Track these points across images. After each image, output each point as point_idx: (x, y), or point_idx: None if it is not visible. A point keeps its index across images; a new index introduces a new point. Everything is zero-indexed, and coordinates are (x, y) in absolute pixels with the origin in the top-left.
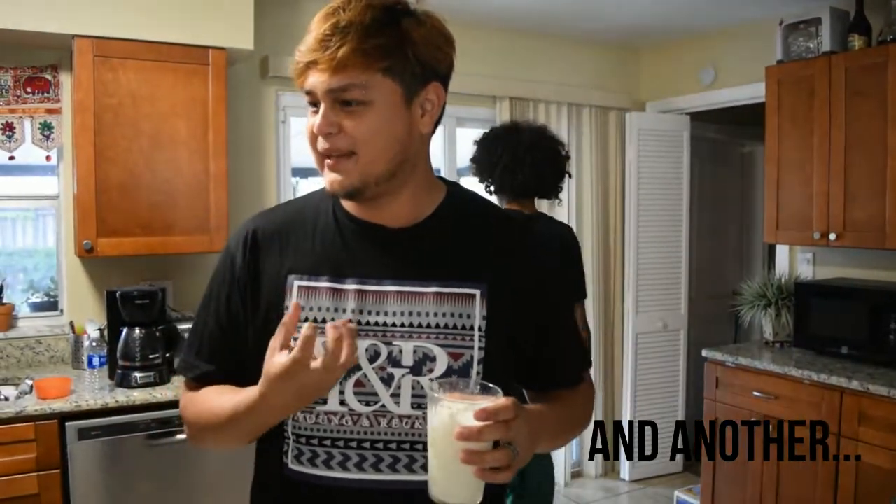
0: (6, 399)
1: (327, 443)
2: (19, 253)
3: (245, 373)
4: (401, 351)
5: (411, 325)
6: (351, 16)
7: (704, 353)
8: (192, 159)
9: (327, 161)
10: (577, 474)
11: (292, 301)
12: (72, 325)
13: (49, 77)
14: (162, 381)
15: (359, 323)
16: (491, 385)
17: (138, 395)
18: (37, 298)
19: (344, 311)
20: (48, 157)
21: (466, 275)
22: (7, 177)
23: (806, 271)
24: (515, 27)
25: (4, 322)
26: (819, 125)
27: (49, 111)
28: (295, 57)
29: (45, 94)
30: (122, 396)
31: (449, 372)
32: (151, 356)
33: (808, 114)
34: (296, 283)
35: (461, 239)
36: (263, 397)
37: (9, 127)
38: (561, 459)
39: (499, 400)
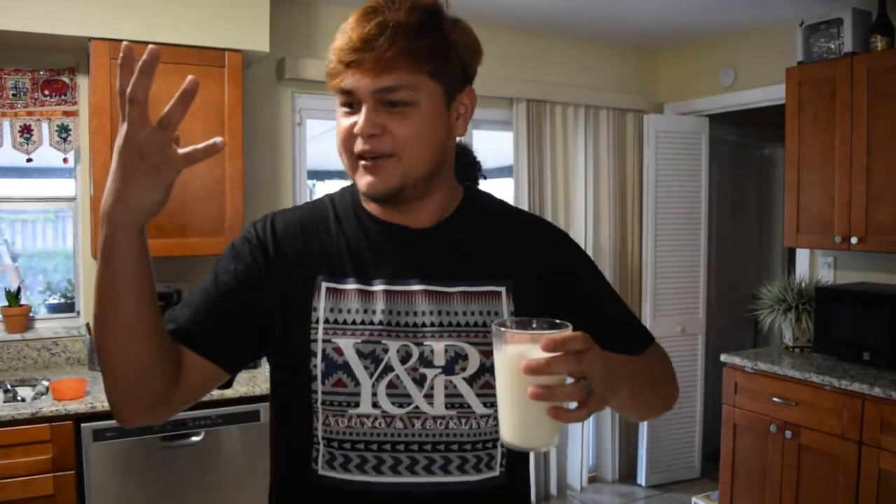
0: (23, 400)
1: (360, 446)
2: (38, 254)
3: (236, 357)
4: (432, 351)
5: (441, 324)
6: (397, 16)
7: (723, 357)
8: (207, 161)
9: (363, 163)
10: (593, 479)
11: (320, 302)
12: (88, 326)
13: (66, 80)
14: None
15: (389, 324)
16: (559, 321)
17: None
18: (54, 300)
19: (374, 312)
20: (65, 160)
21: (491, 272)
22: (25, 179)
23: (827, 276)
24: (532, 29)
25: (22, 323)
26: (840, 127)
27: (66, 113)
28: (330, 56)
29: (63, 97)
30: None
31: (481, 369)
32: None
33: (830, 115)
34: (324, 284)
35: (483, 237)
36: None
37: (27, 129)
38: (577, 464)
39: (564, 331)
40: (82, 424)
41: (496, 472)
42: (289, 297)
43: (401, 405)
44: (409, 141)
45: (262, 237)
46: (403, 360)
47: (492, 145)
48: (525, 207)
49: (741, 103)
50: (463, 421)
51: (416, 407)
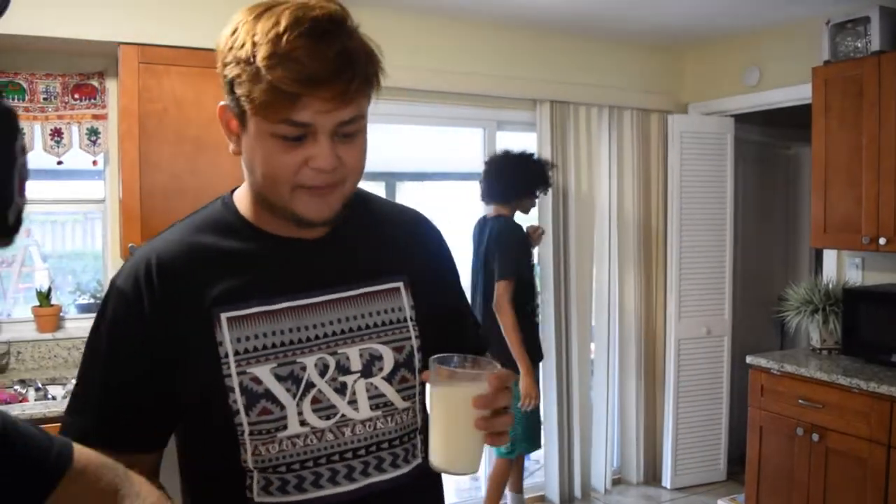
0: (53, 398)
1: (296, 467)
2: (68, 255)
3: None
4: (348, 357)
5: (350, 329)
6: (353, 44)
7: (748, 359)
8: (233, 164)
9: (311, 192)
10: (617, 481)
11: (224, 335)
12: None
13: (96, 84)
14: None
15: (300, 341)
16: (479, 357)
17: None
18: (84, 300)
19: (282, 332)
20: (94, 162)
21: (387, 269)
22: (56, 181)
23: (855, 277)
24: (555, 29)
25: (53, 323)
26: (868, 126)
27: (95, 117)
28: (270, 82)
29: (92, 101)
30: None
31: (396, 366)
32: None
33: (857, 115)
34: (223, 315)
35: (373, 237)
36: None
37: (57, 133)
38: (601, 466)
39: (501, 369)
40: None
41: (419, 459)
42: (188, 340)
43: (328, 417)
44: (356, 167)
45: (146, 297)
46: (322, 373)
47: (515, 147)
48: (548, 209)
49: (767, 103)
50: (388, 419)
51: (343, 415)
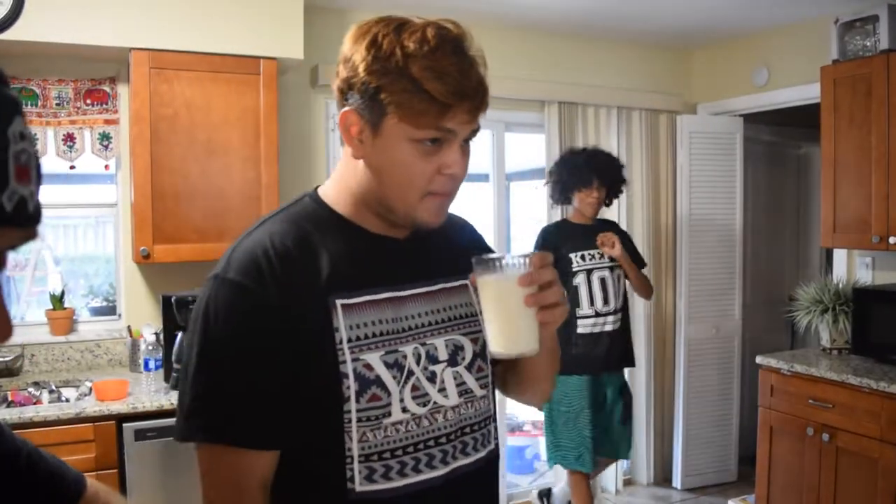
0: (67, 400)
1: (399, 452)
2: (80, 259)
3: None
4: (436, 348)
5: (438, 321)
6: (481, 63)
7: (758, 359)
8: (244, 167)
9: (439, 197)
10: (628, 482)
11: (340, 321)
12: (129, 329)
13: (107, 89)
14: None
15: (399, 331)
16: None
17: None
18: (96, 303)
19: (385, 321)
20: (106, 167)
21: (457, 268)
22: (68, 185)
23: (865, 276)
24: (563, 31)
25: (66, 326)
26: (877, 125)
27: (107, 122)
28: (428, 92)
29: (104, 106)
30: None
31: (474, 356)
32: None
33: (866, 114)
34: (338, 302)
35: (442, 238)
36: None
37: (70, 137)
38: (612, 467)
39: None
40: (124, 424)
41: (492, 445)
42: (309, 326)
43: (424, 404)
44: (466, 174)
45: (260, 283)
46: (417, 362)
47: (523, 148)
48: (557, 210)
49: (775, 103)
50: (470, 405)
51: (435, 402)
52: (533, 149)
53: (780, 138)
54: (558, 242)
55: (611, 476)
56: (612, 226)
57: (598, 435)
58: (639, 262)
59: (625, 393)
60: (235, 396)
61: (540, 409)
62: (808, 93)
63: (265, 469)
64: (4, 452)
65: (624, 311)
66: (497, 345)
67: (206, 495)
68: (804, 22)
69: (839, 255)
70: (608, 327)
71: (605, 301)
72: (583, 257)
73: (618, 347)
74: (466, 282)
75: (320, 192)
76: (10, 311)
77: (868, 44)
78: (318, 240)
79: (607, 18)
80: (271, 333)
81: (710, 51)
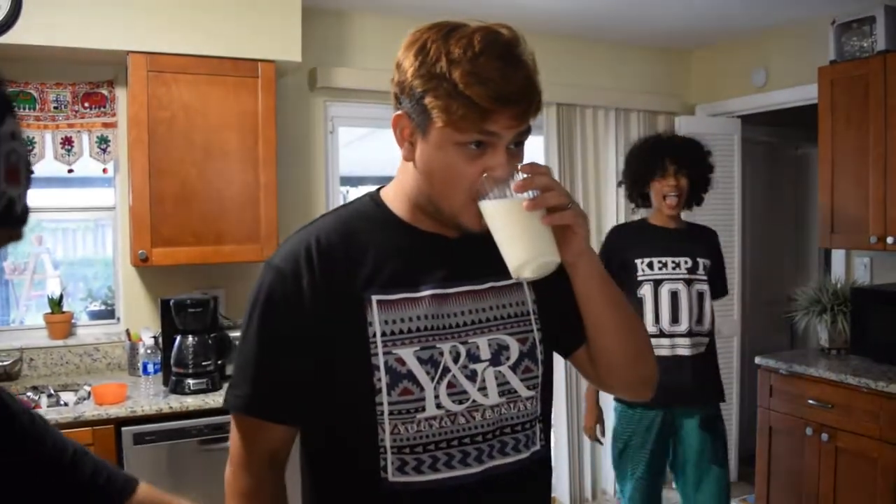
0: (66, 404)
1: (431, 447)
2: (79, 262)
3: (305, 416)
4: (478, 346)
5: (480, 321)
6: (531, 68)
7: (757, 360)
8: (242, 170)
9: None
10: None
11: (374, 317)
12: (128, 332)
13: (105, 92)
14: (214, 387)
15: (437, 328)
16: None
17: (191, 402)
18: (95, 307)
19: (422, 317)
20: (105, 170)
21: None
22: (66, 189)
23: (863, 276)
24: (562, 32)
25: (65, 330)
26: (874, 126)
27: (105, 125)
28: (470, 98)
29: (102, 109)
30: (176, 402)
31: (521, 356)
32: (204, 363)
33: (863, 114)
34: (374, 298)
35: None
36: None
37: (68, 141)
38: (611, 468)
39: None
40: (123, 428)
41: (538, 447)
42: (341, 319)
43: (461, 402)
44: None
45: (305, 276)
46: (455, 360)
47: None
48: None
49: (773, 103)
50: (512, 405)
51: (474, 401)
52: (531, 151)
53: (778, 139)
54: (624, 245)
55: (611, 477)
56: (706, 233)
57: (658, 482)
58: (718, 288)
59: (709, 428)
60: (259, 374)
61: (649, 391)
62: (805, 94)
63: (275, 442)
64: (50, 450)
65: (707, 334)
66: (513, 262)
67: (230, 451)
68: (802, 23)
69: (837, 256)
70: (682, 351)
71: (675, 319)
72: (650, 265)
73: (697, 377)
74: (518, 281)
75: (382, 192)
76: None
77: (865, 45)
78: (366, 237)
79: (605, 20)
80: (301, 320)
81: (707, 52)
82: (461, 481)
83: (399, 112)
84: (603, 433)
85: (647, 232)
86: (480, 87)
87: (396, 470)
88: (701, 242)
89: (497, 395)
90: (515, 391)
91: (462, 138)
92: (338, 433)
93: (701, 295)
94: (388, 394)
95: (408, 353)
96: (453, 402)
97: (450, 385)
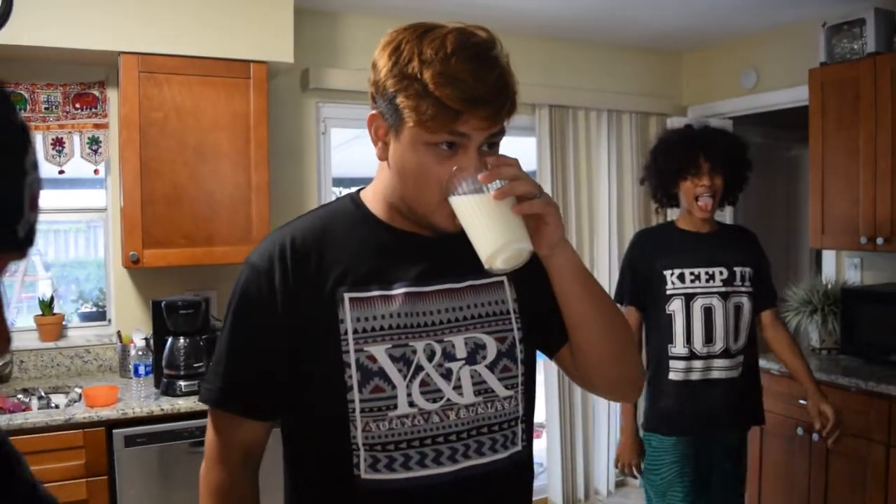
0: (56, 407)
1: (403, 445)
2: (70, 264)
3: (275, 408)
4: (453, 345)
5: (456, 319)
6: (504, 70)
7: None
8: (234, 171)
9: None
10: (621, 483)
11: (346, 314)
12: (119, 334)
13: (96, 93)
14: None
15: (411, 326)
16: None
17: (183, 404)
18: (86, 308)
19: (396, 315)
20: (96, 171)
21: None
22: (57, 190)
23: (854, 277)
24: (554, 34)
25: (55, 332)
26: (864, 127)
27: (97, 126)
28: (439, 99)
29: (93, 110)
30: (167, 404)
31: (499, 355)
32: (195, 365)
33: (853, 116)
34: (346, 296)
35: None
36: None
37: (59, 142)
38: (604, 468)
39: None
40: (114, 430)
41: (519, 447)
42: (312, 316)
43: (434, 400)
44: None
45: (278, 273)
46: (429, 358)
47: (514, 151)
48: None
49: (764, 105)
50: (489, 405)
51: (448, 399)
52: (524, 152)
53: (769, 140)
54: (652, 255)
55: (603, 478)
56: (743, 235)
57: None
58: (766, 297)
59: (732, 455)
60: (230, 368)
61: (635, 393)
62: (796, 95)
63: (248, 436)
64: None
65: (747, 352)
66: (485, 252)
67: (205, 445)
68: (792, 25)
69: (828, 256)
70: (716, 374)
71: (709, 339)
72: (681, 277)
73: (733, 402)
74: (501, 278)
75: (362, 192)
76: (9, 321)
77: (855, 47)
78: (343, 236)
79: (597, 22)
80: (273, 317)
81: (699, 54)
82: (434, 480)
83: (374, 111)
84: (639, 468)
85: (676, 238)
86: (450, 88)
87: (369, 467)
88: (738, 248)
89: (473, 395)
90: (492, 390)
91: (432, 139)
92: (312, 430)
93: (738, 309)
94: (360, 391)
95: (379, 351)
96: (427, 400)
97: (423, 383)
